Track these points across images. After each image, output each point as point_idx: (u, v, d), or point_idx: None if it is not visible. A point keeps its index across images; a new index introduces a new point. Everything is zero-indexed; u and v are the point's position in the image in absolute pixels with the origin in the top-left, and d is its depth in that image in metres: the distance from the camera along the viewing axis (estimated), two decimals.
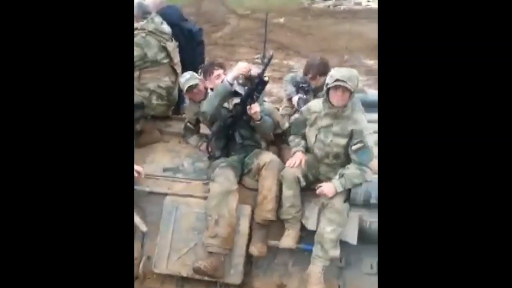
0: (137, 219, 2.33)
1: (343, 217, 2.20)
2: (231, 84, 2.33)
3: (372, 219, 2.28)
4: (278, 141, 2.79)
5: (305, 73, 2.79)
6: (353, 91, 2.17)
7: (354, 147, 2.22)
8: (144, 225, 2.38)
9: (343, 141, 2.25)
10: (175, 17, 3.10)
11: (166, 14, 3.01)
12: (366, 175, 2.23)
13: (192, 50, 3.12)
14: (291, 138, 2.45)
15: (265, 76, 2.33)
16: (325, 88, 2.24)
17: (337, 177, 2.24)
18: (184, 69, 2.95)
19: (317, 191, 2.24)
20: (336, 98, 2.19)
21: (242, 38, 10.41)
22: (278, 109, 2.90)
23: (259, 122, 2.39)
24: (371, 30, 10.85)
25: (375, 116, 2.80)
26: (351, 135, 2.23)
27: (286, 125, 2.70)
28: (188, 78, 2.57)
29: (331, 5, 17.31)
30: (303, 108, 2.46)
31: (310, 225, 2.30)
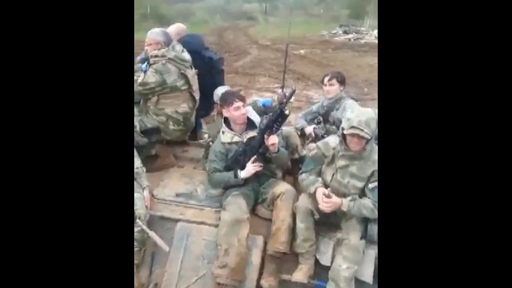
0: (158, 239, 2.27)
1: (359, 254, 2.10)
2: (242, 180, 2.36)
3: None
4: (295, 168, 2.74)
5: (322, 81, 2.87)
6: (370, 138, 2.05)
7: (370, 185, 2.13)
8: (166, 245, 2.29)
9: (360, 183, 2.15)
10: (196, 45, 3.17)
11: (188, 42, 3.09)
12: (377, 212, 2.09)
13: (212, 78, 3.16)
14: (303, 176, 2.31)
15: (286, 109, 2.29)
16: (340, 131, 2.18)
17: (349, 198, 2.14)
18: (203, 96, 2.99)
19: (325, 198, 2.12)
20: (353, 144, 2.10)
21: (262, 68, 10.62)
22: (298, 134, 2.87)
23: (276, 154, 2.35)
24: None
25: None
26: (369, 177, 2.13)
27: (304, 152, 2.66)
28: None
29: (351, 38, 17.63)
30: (320, 144, 2.35)
31: (324, 260, 2.21)
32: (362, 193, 2.16)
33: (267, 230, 2.34)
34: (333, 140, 2.30)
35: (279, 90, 2.73)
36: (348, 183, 2.17)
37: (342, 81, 2.89)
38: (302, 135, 2.94)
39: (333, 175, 2.22)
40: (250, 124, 2.48)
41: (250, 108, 2.74)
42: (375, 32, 18.11)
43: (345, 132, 2.07)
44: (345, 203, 2.13)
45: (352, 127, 2.02)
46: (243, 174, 2.35)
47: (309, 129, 2.90)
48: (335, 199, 2.13)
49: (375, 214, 2.10)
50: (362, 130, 2.01)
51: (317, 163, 2.31)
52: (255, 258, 2.26)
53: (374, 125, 2.04)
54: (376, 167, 2.09)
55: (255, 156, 2.36)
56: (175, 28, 3.20)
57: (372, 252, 2.19)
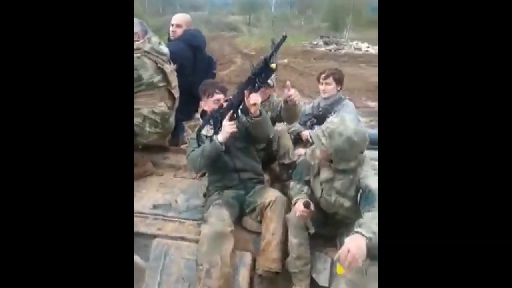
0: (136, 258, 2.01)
1: (363, 277, 1.79)
2: (222, 144, 2.03)
3: None
4: (284, 173, 2.50)
5: (318, 79, 2.69)
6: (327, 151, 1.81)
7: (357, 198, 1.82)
8: (142, 260, 2.03)
9: (347, 203, 1.86)
10: (201, 41, 3.05)
11: (195, 36, 2.99)
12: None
13: (207, 78, 2.98)
14: (292, 184, 2.07)
15: (272, 62, 1.87)
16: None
17: (358, 229, 1.68)
18: (191, 97, 2.76)
19: (339, 256, 1.56)
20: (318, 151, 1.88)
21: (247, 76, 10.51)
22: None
23: (258, 118, 1.99)
24: (371, 74, 11.08)
25: (375, 153, 2.58)
26: (359, 196, 1.80)
27: (296, 157, 2.41)
28: None
29: (332, 49, 17.87)
30: (308, 150, 2.09)
31: (322, 280, 1.93)
32: (355, 210, 1.84)
33: (256, 246, 2.05)
34: (318, 151, 1.96)
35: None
36: (335, 201, 1.90)
37: (339, 80, 2.69)
38: (296, 140, 2.70)
39: (322, 190, 1.95)
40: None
41: None
42: (354, 43, 18.50)
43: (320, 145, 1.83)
44: (366, 234, 1.60)
45: (313, 134, 1.84)
46: (220, 137, 2.03)
47: (306, 133, 2.65)
48: (353, 242, 1.56)
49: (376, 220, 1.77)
50: (318, 139, 1.80)
51: (304, 172, 2.04)
52: (243, 278, 1.96)
53: (338, 139, 1.77)
54: (368, 187, 1.77)
55: (230, 112, 2.01)
56: (186, 18, 3.06)
57: (374, 269, 1.94)
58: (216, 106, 2.14)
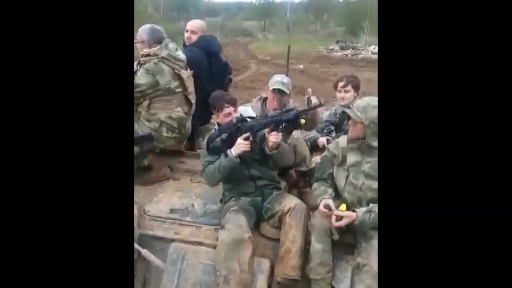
0: (152, 257, 2.01)
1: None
2: (236, 158, 2.04)
3: None
4: (301, 181, 2.45)
5: (335, 86, 2.67)
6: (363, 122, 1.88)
7: None
8: (162, 261, 2.02)
9: (375, 184, 1.86)
10: (216, 47, 3.06)
11: (210, 41, 2.98)
12: None
13: (222, 84, 2.99)
14: (315, 185, 2.07)
15: (303, 118, 1.99)
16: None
17: (364, 209, 1.85)
18: (206, 102, 2.77)
19: (335, 224, 1.84)
20: (351, 130, 1.96)
21: (262, 82, 10.55)
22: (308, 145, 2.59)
23: (275, 151, 2.02)
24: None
25: None
26: None
27: (313, 164, 2.37)
28: None
29: (349, 54, 17.71)
30: (330, 145, 2.13)
31: None
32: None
33: (274, 253, 2.02)
34: (343, 140, 2.04)
35: (305, 97, 2.48)
36: (362, 184, 1.91)
37: (357, 87, 2.65)
38: (313, 147, 2.67)
39: (346, 177, 1.96)
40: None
41: (248, 108, 2.48)
42: (372, 47, 18.31)
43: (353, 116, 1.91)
44: (360, 215, 1.82)
45: (347, 109, 1.93)
46: (233, 151, 2.03)
47: (322, 140, 2.63)
48: (347, 213, 1.84)
49: None
50: (354, 112, 1.89)
51: (327, 166, 2.07)
52: (261, 285, 1.93)
53: (372, 112, 1.85)
54: None
55: (247, 134, 2.03)
56: (201, 24, 3.07)
57: None
58: (227, 119, 2.13)
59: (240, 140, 2.03)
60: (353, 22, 26.30)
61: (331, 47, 19.88)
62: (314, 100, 2.32)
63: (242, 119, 2.13)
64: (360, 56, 17.27)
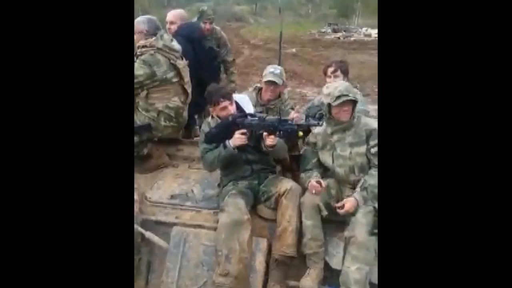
0: (156, 238, 2.10)
1: (369, 253, 1.91)
2: (234, 149, 2.16)
3: None
4: (294, 165, 2.56)
5: (324, 71, 2.73)
6: (357, 100, 2.11)
7: (373, 150, 2.07)
8: (165, 241, 2.13)
9: (362, 148, 2.09)
10: (197, 33, 3.10)
11: (189, 29, 3.02)
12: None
13: (212, 67, 3.07)
14: (302, 175, 2.22)
15: (301, 131, 2.14)
16: (325, 108, 2.14)
17: (358, 189, 2.04)
18: (200, 89, 2.81)
19: (341, 212, 2.03)
20: (344, 114, 2.10)
21: (255, 67, 10.50)
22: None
23: (271, 149, 2.16)
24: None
25: None
26: (367, 137, 2.09)
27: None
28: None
29: (341, 37, 17.63)
30: (308, 137, 2.28)
31: (335, 263, 2.02)
32: (368, 161, 2.10)
33: (271, 232, 2.15)
34: (318, 128, 2.22)
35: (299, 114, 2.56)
36: (350, 153, 2.11)
37: (346, 72, 2.72)
38: (304, 132, 2.76)
39: (332, 154, 2.15)
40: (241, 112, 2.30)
41: (245, 97, 2.56)
42: (364, 29, 18.23)
43: (334, 104, 2.06)
44: (358, 197, 2.01)
45: (338, 96, 2.04)
46: (231, 142, 2.16)
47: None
48: (348, 202, 2.02)
49: None
50: (347, 95, 2.04)
51: (311, 157, 2.23)
52: (259, 263, 2.06)
53: (354, 90, 2.13)
54: (370, 127, 2.11)
55: (244, 130, 2.16)
56: (178, 12, 3.12)
57: (375, 244, 2.00)
58: (224, 113, 2.23)
59: (237, 135, 2.15)
60: (344, 4, 26.03)
61: (323, 30, 19.73)
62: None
63: (238, 116, 2.23)
64: (352, 38, 17.20)
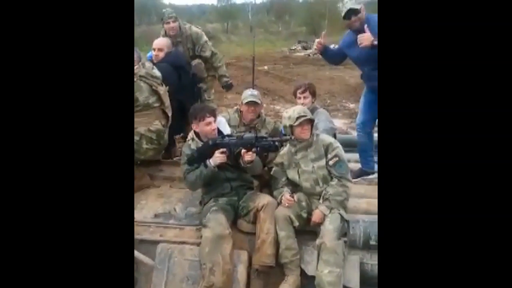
0: (141, 256, 2.19)
1: (338, 256, 2.11)
2: (214, 167, 2.33)
3: (373, 262, 2.20)
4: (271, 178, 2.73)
5: (294, 93, 2.96)
6: (313, 119, 2.39)
7: (330, 162, 2.33)
8: (150, 259, 2.23)
9: (322, 162, 2.34)
10: (184, 61, 3.32)
11: (176, 57, 3.23)
12: (348, 189, 2.32)
13: (193, 92, 3.28)
14: (274, 193, 2.44)
15: (281, 147, 2.40)
16: (288, 130, 2.37)
17: (321, 200, 2.29)
18: (181, 109, 3.00)
19: (311, 224, 2.28)
20: (304, 132, 2.33)
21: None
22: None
23: (249, 165, 2.35)
24: (349, 76, 11.37)
25: (356, 156, 3.07)
26: (326, 151, 2.35)
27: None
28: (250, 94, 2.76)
29: (311, 54, 18.21)
30: (276, 159, 2.52)
31: (310, 270, 2.20)
32: (329, 173, 2.35)
33: (250, 245, 2.31)
34: (283, 149, 2.47)
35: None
36: (313, 168, 2.34)
37: (314, 92, 2.97)
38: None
39: (298, 171, 2.37)
40: (219, 134, 2.48)
41: (222, 119, 2.75)
42: (332, 46, 18.85)
43: (294, 124, 2.30)
44: (323, 208, 2.24)
45: (298, 117, 2.29)
46: (212, 161, 2.33)
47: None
48: (314, 214, 2.26)
49: (347, 192, 2.31)
50: (305, 115, 2.31)
51: (280, 176, 2.45)
52: (241, 274, 2.21)
53: (308, 111, 2.40)
54: (326, 142, 2.36)
55: (224, 150, 2.34)
56: (165, 41, 3.28)
57: (356, 258, 2.21)
58: (208, 128, 2.40)
59: (217, 154, 2.32)
60: (313, 22, 26.92)
61: (293, 47, 20.32)
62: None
63: (217, 138, 2.40)
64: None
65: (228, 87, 3.84)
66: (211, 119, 2.39)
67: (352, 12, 2.62)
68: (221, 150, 2.33)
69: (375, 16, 2.62)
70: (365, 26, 2.58)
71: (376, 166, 3.10)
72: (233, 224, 2.38)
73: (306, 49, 19.49)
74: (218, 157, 2.32)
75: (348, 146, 3.18)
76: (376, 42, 2.47)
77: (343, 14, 2.66)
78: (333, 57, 3.03)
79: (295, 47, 20.41)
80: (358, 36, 2.60)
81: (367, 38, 2.55)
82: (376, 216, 2.48)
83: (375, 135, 3.01)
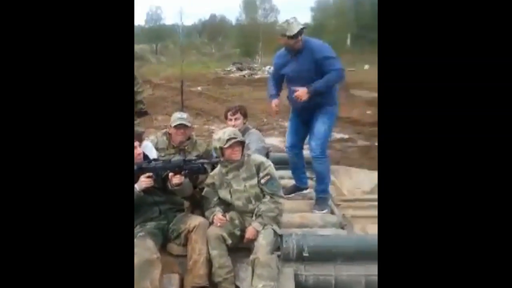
0: None
1: (272, 270, 2.11)
2: (140, 192, 2.26)
3: (307, 273, 2.24)
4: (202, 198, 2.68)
5: (225, 115, 2.97)
6: (244, 141, 2.39)
7: (262, 180, 2.33)
8: None
9: (254, 180, 2.34)
10: None
11: None
12: (281, 205, 2.35)
13: None
14: (206, 214, 2.39)
15: (212, 169, 2.40)
16: (218, 152, 2.35)
17: (254, 217, 2.29)
18: None
19: (245, 241, 2.26)
20: (235, 153, 2.32)
21: (159, 106, 10.40)
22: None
23: (177, 188, 2.31)
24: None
25: (288, 172, 3.25)
26: (257, 170, 2.35)
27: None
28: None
29: (246, 75, 18.64)
30: (207, 180, 2.49)
31: (246, 286, 2.16)
32: (261, 191, 2.35)
33: (182, 268, 2.22)
34: (214, 170, 2.46)
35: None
36: (245, 186, 2.34)
37: (245, 114, 2.99)
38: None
39: (230, 191, 2.35)
40: (145, 159, 2.41)
41: (148, 143, 2.68)
42: (267, 68, 19.56)
43: (225, 146, 2.28)
44: (256, 225, 2.24)
45: (228, 139, 2.27)
46: (137, 186, 2.24)
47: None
48: (247, 231, 2.25)
49: (279, 208, 2.33)
50: (236, 137, 2.29)
51: (211, 196, 2.41)
52: None
53: (239, 133, 2.39)
54: (257, 161, 2.37)
55: (150, 174, 2.27)
56: None
57: (290, 270, 2.23)
58: (136, 151, 2.30)
59: (143, 178, 2.24)
60: (247, 44, 27.70)
61: (228, 69, 20.63)
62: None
63: (143, 163, 2.33)
64: (256, 76, 18.28)
65: (141, 114, 3.62)
66: (135, 143, 2.31)
67: (302, 31, 2.67)
68: (147, 174, 2.26)
69: (312, 40, 2.79)
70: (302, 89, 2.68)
71: (308, 182, 3.21)
72: (163, 248, 2.28)
73: (241, 70, 19.92)
74: (143, 181, 2.24)
75: (283, 163, 3.26)
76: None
77: (294, 31, 2.61)
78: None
79: (230, 68, 20.76)
80: (295, 94, 2.72)
81: (302, 94, 2.67)
82: (308, 229, 2.56)
83: (305, 152, 3.09)
